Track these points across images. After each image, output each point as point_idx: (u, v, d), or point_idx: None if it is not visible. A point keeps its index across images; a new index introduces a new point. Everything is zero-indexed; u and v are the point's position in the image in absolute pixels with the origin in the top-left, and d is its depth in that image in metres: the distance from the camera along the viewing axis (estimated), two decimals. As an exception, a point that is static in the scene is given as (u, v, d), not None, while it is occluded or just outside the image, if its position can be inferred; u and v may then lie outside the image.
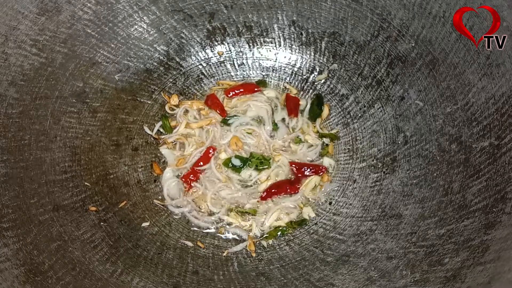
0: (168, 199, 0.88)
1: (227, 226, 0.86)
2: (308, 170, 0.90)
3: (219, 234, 0.85)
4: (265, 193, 0.87)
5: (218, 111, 0.96)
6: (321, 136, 0.95)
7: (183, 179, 0.89)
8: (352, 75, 0.95)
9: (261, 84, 1.00)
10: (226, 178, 0.89)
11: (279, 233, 0.85)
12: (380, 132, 0.90)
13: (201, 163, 0.90)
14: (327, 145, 0.94)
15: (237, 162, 0.90)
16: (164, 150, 0.93)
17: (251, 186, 0.90)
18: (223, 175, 0.89)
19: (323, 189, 0.89)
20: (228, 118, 0.95)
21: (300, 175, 0.90)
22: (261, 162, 0.90)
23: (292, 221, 0.86)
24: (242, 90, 0.98)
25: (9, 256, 0.67)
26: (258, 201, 0.88)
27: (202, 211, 0.87)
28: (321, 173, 0.90)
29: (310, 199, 0.89)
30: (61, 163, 0.82)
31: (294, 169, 0.91)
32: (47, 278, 0.68)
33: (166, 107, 0.96)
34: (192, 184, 0.89)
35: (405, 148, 0.86)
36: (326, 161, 0.92)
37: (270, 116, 0.96)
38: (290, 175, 0.91)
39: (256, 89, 0.99)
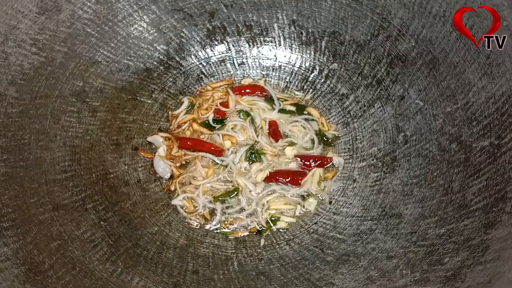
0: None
1: (229, 220, 0.86)
2: (314, 162, 0.91)
3: (219, 231, 0.85)
4: (268, 175, 0.89)
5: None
6: (321, 136, 0.95)
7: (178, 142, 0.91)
8: (352, 74, 0.95)
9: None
10: (213, 171, 0.90)
11: (278, 228, 0.85)
12: (380, 132, 0.90)
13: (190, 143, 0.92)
14: (327, 145, 0.94)
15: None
16: (151, 138, 0.93)
17: (246, 175, 0.90)
18: (213, 169, 0.90)
19: (327, 189, 0.89)
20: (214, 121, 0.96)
21: (306, 168, 0.91)
22: (252, 153, 0.92)
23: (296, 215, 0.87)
24: (249, 91, 0.99)
25: (9, 255, 0.67)
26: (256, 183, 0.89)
27: (197, 209, 0.88)
28: (326, 165, 0.91)
29: (313, 192, 0.89)
30: (61, 162, 0.82)
31: (300, 162, 0.92)
32: (47, 278, 0.68)
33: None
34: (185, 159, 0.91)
35: (405, 148, 0.86)
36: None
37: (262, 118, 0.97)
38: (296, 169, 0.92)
39: (262, 93, 0.99)
